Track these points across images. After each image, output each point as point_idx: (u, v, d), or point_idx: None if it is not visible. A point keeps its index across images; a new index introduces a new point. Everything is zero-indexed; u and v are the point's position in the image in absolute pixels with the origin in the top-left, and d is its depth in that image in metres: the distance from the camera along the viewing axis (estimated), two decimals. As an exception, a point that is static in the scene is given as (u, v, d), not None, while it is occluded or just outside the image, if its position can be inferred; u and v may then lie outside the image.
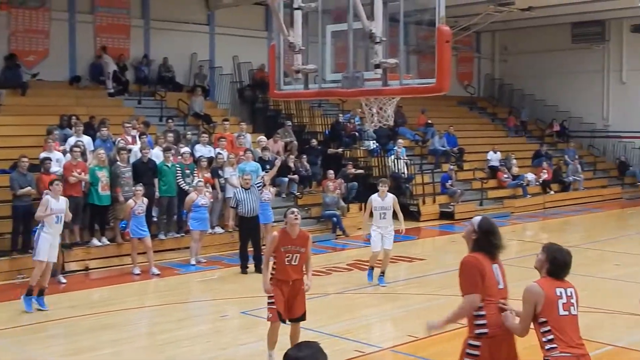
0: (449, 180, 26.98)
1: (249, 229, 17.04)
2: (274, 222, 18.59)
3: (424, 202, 25.53)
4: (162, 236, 18.86)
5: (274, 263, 9.85)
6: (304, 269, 9.97)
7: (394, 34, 7.65)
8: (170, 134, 20.76)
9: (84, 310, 13.57)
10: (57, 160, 17.72)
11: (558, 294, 6.45)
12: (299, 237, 9.84)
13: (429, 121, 31.19)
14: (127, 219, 16.87)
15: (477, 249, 6.82)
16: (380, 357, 11.10)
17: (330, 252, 19.81)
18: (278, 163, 19.28)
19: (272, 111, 28.23)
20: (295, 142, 24.83)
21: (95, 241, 17.66)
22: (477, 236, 6.85)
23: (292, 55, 8.33)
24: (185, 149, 20.07)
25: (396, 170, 25.96)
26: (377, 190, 15.40)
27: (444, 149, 29.40)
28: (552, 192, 30.34)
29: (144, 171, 18.36)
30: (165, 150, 19.16)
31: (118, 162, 18.10)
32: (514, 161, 30.22)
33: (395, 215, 15.33)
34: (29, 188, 16.45)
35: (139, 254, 16.78)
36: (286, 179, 22.44)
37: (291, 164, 22.94)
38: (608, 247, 20.07)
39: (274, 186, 20.55)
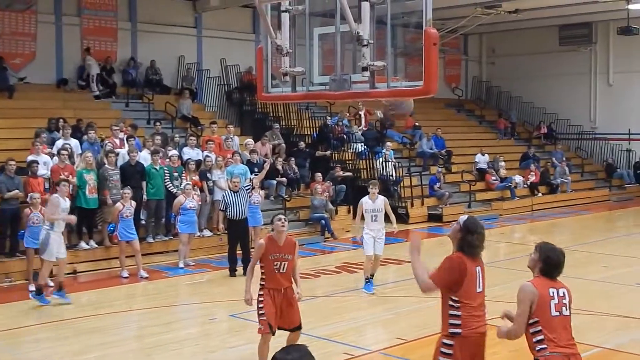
0: (437, 183, 27.03)
1: (237, 231, 17.02)
2: (263, 224, 18.58)
3: (412, 205, 25.56)
4: (150, 239, 18.84)
5: (263, 272, 9.67)
6: (292, 277, 9.85)
7: (382, 37, 7.64)
8: (158, 137, 20.75)
9: (72, 314, 13.53)
10: (45, 163, 17.70)
11: (551, 294, 6.49)
12: (286, 244, 9.71)
13: (417, 124, 31.23)
14: (115, 221, 16.84)
15: (460, 249, 6.89)
16: (369, 360, 11.11)
17: (319, 255, 19.80)
18: (267, 166, 19.26)
19: (260, 114, 28.23)
20: (283, 145, 24.85)
21: (83, 244, 17.63)
22: (462, 235, 6.91)
23: (280, 58, 8.30)
24: (173, 152, 20.05)
25: (384, 173, 25.97)
26: (366, 193, 15.34)
27: (432, 151, 29.45)
28: (540, 194, 30.40)
29: (132, 174, 18.34)
30: (153, 153, 19.14)
31: (106, 165, 18.08)
32: (502, 163, 30.28)
33: (387, 218, 15.29)
34: (16, 191, 16.43)
35: (127, 257, 16.72)
36: (274, 182, 22.44)
37: (279, 167, 22.95)
38: (596, 249, 20.11)
39: (263, 189, 20.55)
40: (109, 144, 19.42)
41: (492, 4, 28.89)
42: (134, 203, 16.76)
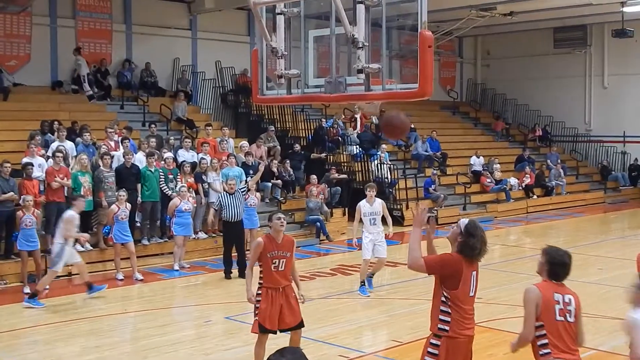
0: (432, 185, 27.04)
1: (232, 234, 17.00)
2: (259, 227, 18.59)
3: (407, 207, 25.56)
4: (145, 241, 18.82)
5: (261, 271, 9.63)
6: (292, 277, 9.80)
7: (377, 39, 7.65)
8: (153, 139, 20.73)
9: (67, 316, 13.52)
10: (40, 166, 17.67)
11: (556, 298, 6.53)
12: (284, 242, 9.69)
13: (412, 126, 31.20)
14: (110, 224, 16.81)
15: (460, 251, 6.91)
16: (364, 362, 11.10)
17: (314, 257, 19.80)
18: (261, 168, 19.25)
19: (255, 116, 28.22)
20: (279, 147, 24.84)
21: (78, 247, 17.57)
22: (462, 238, 6.93)
23: (275, 60, 8.30)
24: (168, 154, 20.03)
25: (379, 175, 25.97)
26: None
27: (427, 153, 29.47)
28: (534, 197, 30.45)
29: (127, 176, 18.31)
30: (149, 155, 19.12)
31: (101, 167, 18.07)
32: (497, 166, 30.31)
33: (384, 220, 15.23)
34: (11, 193, 16.39)
35: (122, 259, 16.72)
36: (269, 184, 22.45)
37: (274, 169, 22.95)
38: (591, 251, 20.12)
39: (258, 191, 20.54)
40: (104, 146, 19.41)
41: (487, 6, 28.93)
42: (129, 205, 16.74)
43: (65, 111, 22.79)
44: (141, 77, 26.57)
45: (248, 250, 17.97)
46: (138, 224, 18.74)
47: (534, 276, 6.90)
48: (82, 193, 17.29)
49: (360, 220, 15.01)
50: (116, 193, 17.03)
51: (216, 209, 17.44)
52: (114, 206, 16.55)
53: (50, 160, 17.94)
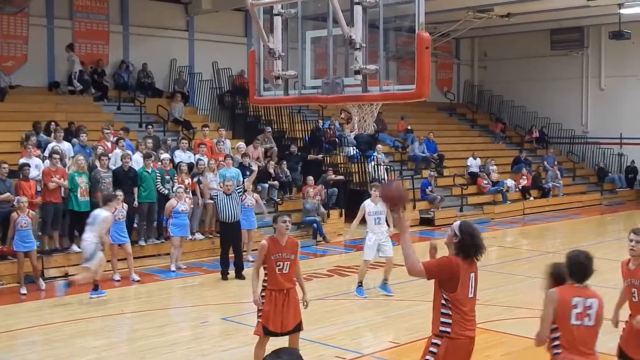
0: (429, 187, 27.05)
1: (229, 235, 17.00)
2: (257, 227, 18.61)
3: (404, 209, 25.49)
4: (142, 242, 18.80)
5: (265, 274, 9.55)
6: (296, 280, 9.76)
7: (374, 40, 7.66)
8: (150, 140, 20.73)
9: (64, 317, 13.50)
10: (36, 166, 17.64)
11: (574, 303, 6.63)
12: (288, 244, 9.65)
13: (409, 127, 31.26)
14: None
15: (459, 252, 6.91)
16: (361, 363, 11.10)
17: (311, 258, 19.78)
18: (255, 168, 19.28)
19: (252, 117, 28.22)
20: (275, 148, 24.85)
21: (75, 247, 17.54)
22: (459, 239, 6.93)
23: (272, 61, 8.31)
24: (165, 155, 20.02)
25: (376, 177, 25.96)
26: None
27: (423, 155, 29.48)
28: (531, 198, 30.47)
29: (124, 179, 18.27)
30: (146, 156, 19.11)
31: (98, 168, 18.05)
32: (494, 167, 30.33)
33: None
34: (8, 194, 16.38)
35: (119, 260, 16.69)
36: (266, 185, 22.44)
37: (271, 170, 22.94)
38: (587, 252, 20.10)
39: (256, 192, 20.53)
40: (100, 147, 19.38)
41: (484, 8, 28.95)
42: (125, 206, 16.74)
43: (62, 112, 22.75)
44: (138, 78, 26.55)
45: (245, 251, 18.02)
46: (135, 225, 18.68)
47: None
48: (78, 194, 17.28)
49: (362, 221, 14.94)
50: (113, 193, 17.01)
51: (214, 195, 17.56)
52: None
53: (47, 161, 17.92)
